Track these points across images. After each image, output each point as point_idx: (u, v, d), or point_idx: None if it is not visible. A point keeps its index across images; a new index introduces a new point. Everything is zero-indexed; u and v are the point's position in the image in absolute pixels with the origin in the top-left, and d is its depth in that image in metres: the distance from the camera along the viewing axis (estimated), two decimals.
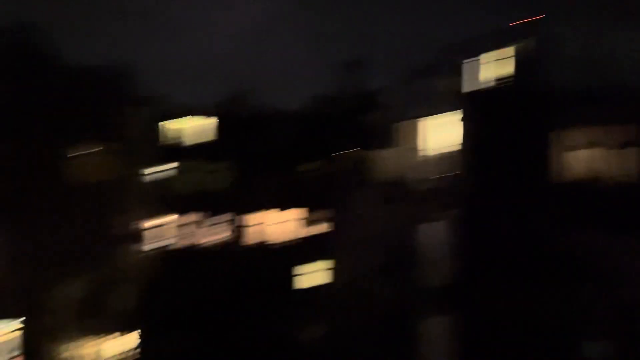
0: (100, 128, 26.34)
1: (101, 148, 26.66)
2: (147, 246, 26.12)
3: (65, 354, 21.53)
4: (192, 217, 26.85)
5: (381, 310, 22.91)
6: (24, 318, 20.13)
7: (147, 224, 26.36)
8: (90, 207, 26.22)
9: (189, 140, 27.75)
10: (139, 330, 23.15)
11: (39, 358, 19.77)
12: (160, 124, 27.41)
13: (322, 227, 27.70)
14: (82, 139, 26.19)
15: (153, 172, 26.85)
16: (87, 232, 25.71)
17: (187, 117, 27.50)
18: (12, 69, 20.85)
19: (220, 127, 27.14)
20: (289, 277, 26.48)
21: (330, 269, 26.70)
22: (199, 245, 26.96)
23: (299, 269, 26.88)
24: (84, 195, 26.05)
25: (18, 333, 20.05)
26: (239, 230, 27.12)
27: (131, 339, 23.44)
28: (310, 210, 27.72)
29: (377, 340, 22.27)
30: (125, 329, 23.11)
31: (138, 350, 23.16)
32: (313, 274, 26.85)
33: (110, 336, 22.28)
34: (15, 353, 19.96)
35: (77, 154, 26.53)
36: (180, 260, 26.14)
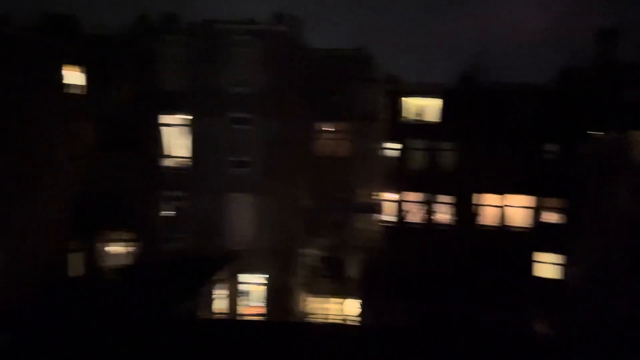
0: (342, 107, 28.69)
1: (345, 124, 29.06)
2: (380, 219, 27.63)
3: (298, 309, 24.52)
4: (421, 195, 27.30)
5: (624, 313, 20.02)
6: (267, 275, 23.48)
7: (381, 197, 27.83)
8: (334, 178, 28.94)
9: (422, 118, 28.05)
10: (363, 297, 24.87)
11: (276, 309, 22.87)
12: (395, 102, 28.32)
13: (558, 217, 25.19)
14: (329, 117, 28.97)
15: (388, 148, 28.05)
16: (329, 201, 28.58)
17: (421, 96, 27.76)
18: (276, 55, 23.74)
19: (453, 105, 26.66)
20: (520, 263, 24.96)
21: (564, 263, 24.28)
22: (427, 222, 27.35)
23: (532, 257, 25.11)
24: (328, 168, 28.96)
25: (263, 287, 23.57)
26: (468, 211, 26.58)
27: (355, 304, 25.39)
28: (548, 197, 25.40)
29: (615, 345, 19.60)
30: (352, 293, 25.09)
31: (361, 315, 24.94)
32: (545, 265, 24.81)
33: (339, 298, 24.51)
34: (260, 303, 23.55)
35: (325, 129, 29.52)
36: (409, 235, 26.94)
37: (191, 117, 23.78)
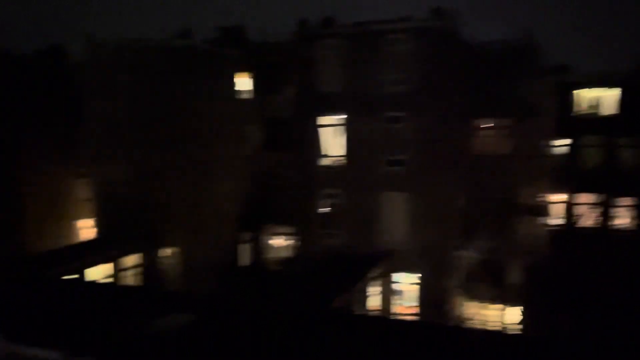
0: (504, 101, 27.10)
1: (506, 120, 27.45)
2: (546, 222, 25.61)
3: (453, 313, 23.71)
4: (595, 196, 24.65)
5: None
6: (420, 274, 23.10)
7: (548, 199, 25.77)
8: (494, 178, 27.51)
9: (596, 111, 25.30)
10: (526, 304, 23.22)
11: (430, 311, 22.38)
12: (564, 94, 25.97)
13: None
14: (489, 113, 27.61)
15: (556, 145, 25.83)
16: (489, 202, 27.24)
17: (595, 87, 25.02)
18: (433, 51, 23.26)
19: (633, 96, 23.52)
20: None
21: None
22: (602, 226, 24.64)
23: None
24: (488, 167, 27.61)
25: (416, 287, 23.24)
26: None
27: (517, 312, 23.78)
28: None
29: None
30: (514, 301, 23.59)
31: (521, 324, 23.32)
32: None
33: (495, 304, 23.21)
34: (413, 303, 23.23)
35: (484, 126, 28.20)
36: (581, 240, 24.56)
37: (346, 117, 24.38)
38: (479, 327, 23.66)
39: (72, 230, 32.92)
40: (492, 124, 28.13)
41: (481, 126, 27.88)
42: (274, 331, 10.73)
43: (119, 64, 26.78)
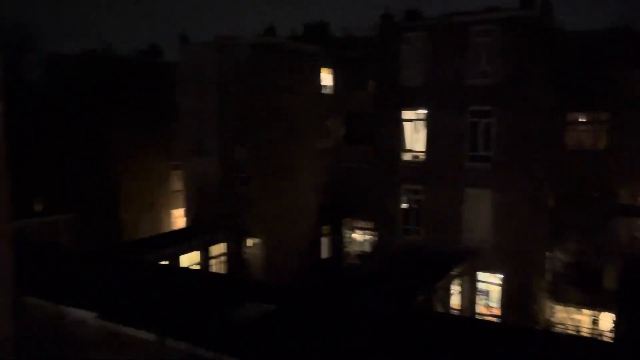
0: (601, 94, 25.42)
1: (602, 114, 25.76)
2: None
3: (540, 316, 22.60)
4: None
5: None
6: (504, 275, 22.22)
7: None
8: (588, 175, 25.95)
9: None
10: (621, 311, 21.65)
11: (515, 313, 21.48)
12: None
13: None
14: (584, 106, 26.03)
15: None
16: (582, 200, 25.73)
17: None
18: (522, 42, 22.15)
19: None
20: None
21: None
22: None
23: None
24: (582, 164, 26.06)
25: (500, 287, 22.40)
26: None
27: (609, 318, 22.28)
28: None
29: None
30: (608, 306, 22.11)
31: (616, 332, 21.78)
32: None
33: (588, 309, 21.86)
34: (498, 304, 22.40)
35: (578, 120, 26.61)
36: None
37: (429, 111, 23.92)
38: (568, 332, 22.45)
39: (168, 218, 35.13)
40: (587, 118, 26.48)
41: (575, 120, 26.30)
42: (354, 325, 10.87)
43: (210, 62, 28.09)
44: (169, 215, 35.35)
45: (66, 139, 32.22)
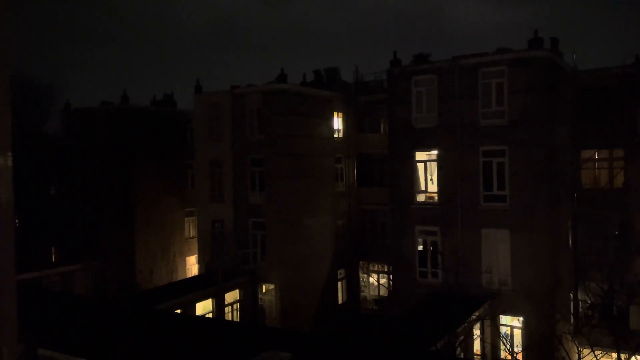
0: (615, 131, 25.33)
1: (618, 151, 25.59)
2: None
3: (563, 358, 21.75)
4: None
5: None
6: (524, 318, 21.56)
7: None
8: (607, 213, 25.54)
9: None
10: None
11: (537, 356, 20.68)
12: None
13: None
14: (598, 143, 25.88)
15: None
16: (602, 239, 25.21)
17: None
18: (534, 82, 22.29)
19: None
20: None
21: None
22: None
23: None
24: (600, 201, 25.69)
25: (522, 330, 21.68)
26: None
27: None
28: None
29: None
30: (633, 349, 21.23)
31: None
32: None
33: (615, 353, 20.96)
34: (521, 348, 21.60)
35: (593, 157, 26.42)
36: None
37: (442, 152, 23.91)
38: None
39: (182, 265, 35.02)
40: (603, 156, 26.25)
41: (590, 158, 26.10)
42: None
43: (225, 109, 28.64)
44: (183, 262, 35.25)
45: (83, 191, 32.69)
